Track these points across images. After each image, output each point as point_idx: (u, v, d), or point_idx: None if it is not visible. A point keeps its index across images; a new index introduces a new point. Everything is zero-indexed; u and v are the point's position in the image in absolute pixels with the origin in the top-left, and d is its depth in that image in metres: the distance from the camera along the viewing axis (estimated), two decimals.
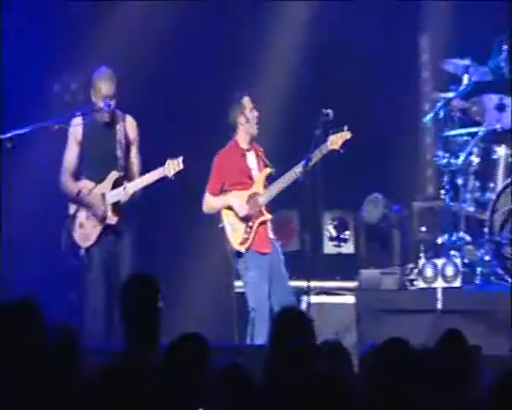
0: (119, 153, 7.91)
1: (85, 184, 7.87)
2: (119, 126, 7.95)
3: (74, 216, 7.88)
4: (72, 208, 7.92)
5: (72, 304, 9.15)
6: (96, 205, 7.79)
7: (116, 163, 7.90)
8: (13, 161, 7.91)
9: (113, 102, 7.86)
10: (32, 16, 9.71)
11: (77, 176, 7.93)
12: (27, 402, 4.09)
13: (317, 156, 7.90)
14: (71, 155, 7.93)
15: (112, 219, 7.82)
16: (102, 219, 7.79)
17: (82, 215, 7.86)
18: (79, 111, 8.06)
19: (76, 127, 7.92)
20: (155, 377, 4.29)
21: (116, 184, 7.82)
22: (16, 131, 7.93)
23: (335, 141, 7.89)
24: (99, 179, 7.86)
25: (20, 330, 4.48)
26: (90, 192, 7.84)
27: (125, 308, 4.95)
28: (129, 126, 7.99)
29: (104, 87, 7.83)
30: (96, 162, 7.93)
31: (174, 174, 7.69)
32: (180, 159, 7.66)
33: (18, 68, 9.62)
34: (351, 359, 4.88)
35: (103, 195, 7.79)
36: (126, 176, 7.90)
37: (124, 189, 7.78)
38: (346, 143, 7.92)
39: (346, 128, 7.91)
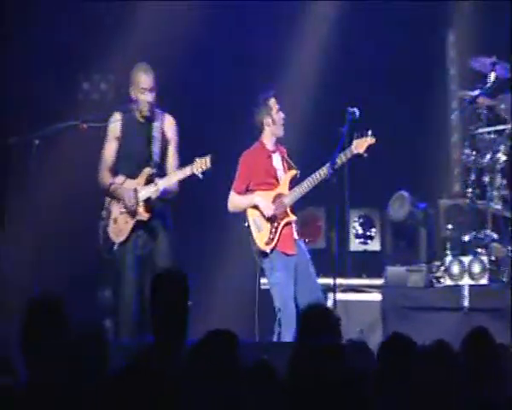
0: (155, 150, 7.92)
1: (120, 179, 7.90)
2: (156, 124, 7.96)
3: (110, 212, 7.91)
4: (107, 203, 7.95)
5: (103, 300, 9.22)
6: (127, 198, 7.78)
7: (151, 160, 7.93)
8: (41, 157, 7.97)
9: (152, 96, 7.88)
10: (60, 15, 9.75)
11: (114, 171, 7.95)
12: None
13: (341, 160, 7.90)
14: (109, 150, 7.97)
15: (143, 216, 7.80)
16: (133, 213, 7.80)
17: (116, 211, 7.89)
18: (118, 108, 8.09)
19: (115, 123, 7.97)
20: (181, 374, 4.32)
21: (149, 181, 7.82)
22: (45, 129, 8.05)
23: (360, 145, 7.89)
24: (134, 175, 7.87)
25: (47, 327, 4.51)
26: (123, 184, 7.86)
27: (155, 305, 4.97)
28: (167, 125, 8.00)
29: (143, 80, 7.86)
30: (132, 158, 7.96)
31: (202, 172, 7.70)
32: (208, 158, 7.65)
33: (47, 67, 9.69)
34: (373, 357, 4.88)
35: (136, 190, 7.79)
36: (161, 173, 7.90)
37: (155, 185, 7.77)
38: (369, 148, 7.92)
39: (370, 133, 7.89)
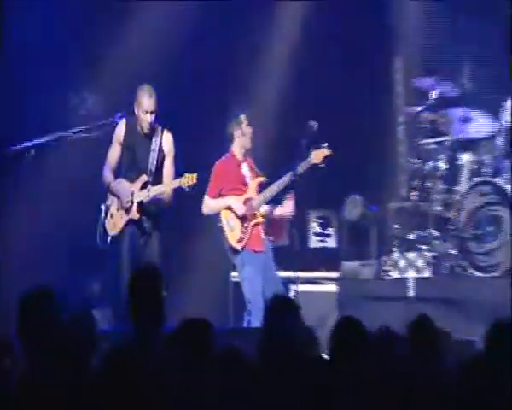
0: (151, 161, 7.92)
1: (120, 181, 7.94)
2: (155, 138, 7.96)
3: (108, 208, 7.96)
4: (108, 200, 7.99)
5: (92, 292, 9.19)
6: (123, 196, 7.84)
7: (147, 169, 7.92)
8: (36, 166, 7.94)
9: (152, 117, 7.87)
10: (49, 36, 9.64)
11: (116, 172, 8.00)
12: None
13: (302, 168, 7.95)
14: (113, 153, 8.02)
15: (135, 215, 7.83)
16: (127, 210, 7.83)
17: (113, 208, 7.94)
18: (123, 112, 8.11)
19: (120, 130, 8.00)
20: (159, 358, 4.30)
21: (144, 187, 7.85)
22: (38, 141, 8.04)
23: (317, 156, 7.93)
24: (132, 180, 7.90)
25: (39, 315, 4.50)
26: (121, 184, 7.90)
27: (134, 297, 4.94)
28: (164, 141, 8.00)
29: (146, 102, 7.85)
30: (132, 166, 7.97)
31: (188, 186, 7.71)
32: (195, 175, 7.69)
33: (40, 82, 9.61)
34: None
35: (132, 192, 7.83)
36: (155, 182, 7.91)
37: (148, 191, 7.79)
38: (325, 158, 7.94)
39: (326, 145, 7.92)
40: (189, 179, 7.68)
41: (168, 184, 7.85)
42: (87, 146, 8.55)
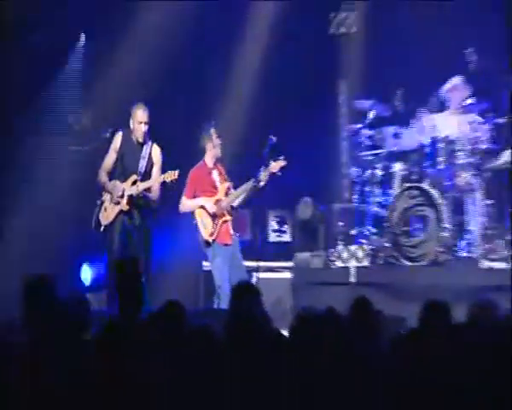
0: (141, 166, 7.95)
1: (113, 181, 7.95)
2: (145, 147, 7.98)
3: (102, 202, 7.96)
4: (103, 196, 8.00)
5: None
6: (115, 191, 7.87)
7: (137, 171, 7.94)
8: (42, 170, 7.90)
9: (145, 127, 7.93)
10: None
11: (111, 175, 8.00)
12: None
13: (263, 176, 7.98)
14: (109, 159, 8.01)
15: (125, 207, 7.86)
16: (118, 203, 7.85)
17: (107, 202, 7.95)
18: (113, 128, 8.18)
19: (116, 140, 8.01)
20: (141, 332, 4.29)
21: (134, 183, 7.90)
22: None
23: (275, 166, 7.97)
24: (124, 180, 7.92)
25: (39, 297, 4.47)
26: (115, 184, 7.92)
27: (118, 283, 4.92)
28: (153, 151, 8.03)
29: (140, 115, 7.91)
30: (125, 169, 7.97)
31: (171, 181, 7.75)
32: (177, 171, 7.76)
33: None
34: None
35: (124, 189, 7.85)
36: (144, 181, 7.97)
37: (137, 186, 7.85)
38: (282, 168, 7.96)
39: (282, 157, 7.94)
40: (171, 175, 7.74)
41: (155, 179, 7.88)
42: (82, 155, 8.53)
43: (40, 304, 4.46)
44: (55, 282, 4.63)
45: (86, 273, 9.37)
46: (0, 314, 5.38)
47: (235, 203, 8.18)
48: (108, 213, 7.92)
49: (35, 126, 9.43)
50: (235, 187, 8.17)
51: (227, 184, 8.18)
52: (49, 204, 9.13)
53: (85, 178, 8.46)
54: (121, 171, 7.99)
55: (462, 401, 3.55)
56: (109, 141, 8.12)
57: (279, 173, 7.97)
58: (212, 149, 8.11)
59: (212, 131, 8.11)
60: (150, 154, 7.99)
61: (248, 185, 8.03)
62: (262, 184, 7.99)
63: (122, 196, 7.83)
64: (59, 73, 9.74)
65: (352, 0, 9.91)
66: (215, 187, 8.15)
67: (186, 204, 8.14)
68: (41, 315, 4.39)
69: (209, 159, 8.15)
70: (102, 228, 7.89)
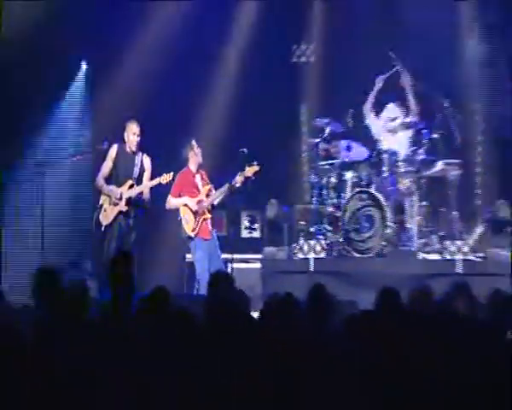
0: (135, 172, 7.93)
1: (111, 186, 7.91)
2: (137, 157, 7.97)
3: (101, 205, 7.89)
4: (101, 200, 7.93)
5: (87, 267, 9.06)
6: (113, 194, 7.83)
7: (132, 177, 7.92)
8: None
9: (138, 139, 7.92)
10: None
11: (107, 180, 7.95)
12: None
13: (239, 179, 7.97)
14: (106, 166, 7.97)
15: (123, 207, 7.82)
16: (116, 204, 7.80)
17: (106, 204, 7.88)
18: (108, 141, 8.09)
19: (113, 150, 7.97)
20: (133, 315, 4.25)
21: (131, 187, 7.88)
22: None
23: (250, 171, 7.95)
24: (120, 185, 7.89)
25: (48, 284, 4.44)
26: (112, 187, 7.88)
27: (113, 273, 4.88)
28: (144, 160, 8.03)
29: (134, 128, 7.92)
30: (121, 175, 7.94)
31: (166, 183, 7.85)
32: (171, 173, 7.84)
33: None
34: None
35: (121, 192, 7.82)
36: (137, 185, 7.96)
37: (134, 189, 7.85)
38: (256, 173, 7.94)
39: (256, 163, 7.93)
40: (166, 177, 7.80)
41: (150, 182, 7.88)
42: (82, 164, 8.47)
43: (49, 290, 4.44)
44: (61, 272, 4.63)
45: (87, 264, 9.28)
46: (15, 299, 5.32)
47: (216, 202, 8.16)
48: (108, 213, 7.87)
49: (46, 141, 9.38)
50: (216, 189, 8.16)
51: (208, 186, 8.19)
52: (56, 205, 9.06)
53: (86, 182, 8.40)
54: (116, 177, 7.96)
55: (409, 374, 3.52)
56: (106, 152, 8.08)
57: (253, 177, 7.96)
58: (194, 157, 8.13)
59: (193, 142, 8.14)
60: (142, 162, 8.00)
61: (226, 187, 8.04)
62: (238, 185, 7.99)
63: (120, 198, 7.81)
64: (64, 96, 9.67)
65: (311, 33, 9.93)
66: (198, 189, 8.16)
67: (172, 202, 8.15)
68: (49, 299, 4.36)
69: (192, 165, 8.17)
70: (103, 228, 7.84)
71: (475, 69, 9.59)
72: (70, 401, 3.28)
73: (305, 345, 3.77)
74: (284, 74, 9.83)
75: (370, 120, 8.94)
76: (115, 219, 7.83)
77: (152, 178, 7.93)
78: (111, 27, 9.37)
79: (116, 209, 7.82)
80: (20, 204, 9.17)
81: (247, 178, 7.96)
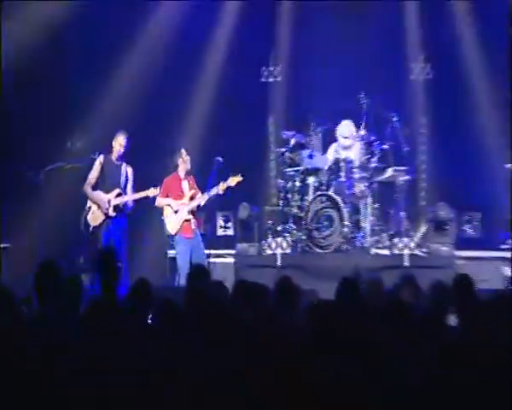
0: (122, 181, 7.91)
1: (99, 192, 7.85)
2: (123, 167, 7.95)
3: (90, 208, 7.85)
4: (88, 203, 7.89)
5: (80, 263, 9.00)
6: (102, 203, 7.79)
7: (119, 185, 7.85)
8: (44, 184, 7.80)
9: (124, 149, 7.92)
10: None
11: (93, 187, 7.91)
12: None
13: (219, 188, 8.01)
14: (93, 173, 7.92)
15: (112, 214, 7.81)
16: (106, 212, 7.76)
17: (95, 207, 7.83)
18: (99, 152, 8.04)
19: (100, 160, 7.92)
20: (120, 304, 4.25)
21: (118, 195, 7.87)
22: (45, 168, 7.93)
23: (233, 181, 8.00)
24: (108, 192, 7.85)
25: (48, 278, 4.42)
26: (100, 196, 7.83)
27: (101, 269, 4.87)
28: (128, 170, 8.03)
29: (122, 139, 7.91)
30: (108, 182, 7.91)
31: (153, 196, 7.91)
32: (158, 189, 7.87)
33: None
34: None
35: (109, 200, 7.79)
36: (124, 194, 7.94)
37: (122, 198, 7.85)
38: (238, 183, 8.01)
39: (240, 175, 7.99)
40: (154, 191, 7.86)
41: (137, 194, 7.89)
42: (75, 172, 8.41)
43: (49, 281, 4.43)
44: (61, 265, 4.61)
45: (81, 260, 9.24)
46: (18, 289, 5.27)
47: (202, 204, 8.14)
48: (96, 216, 7.83)
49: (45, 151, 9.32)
50: (202, 194, 8.18)
51: (193, 191, 8.18)
52: (53, 208, 8.98)
53: (79, 187, 8.34)
54: (103, 185, 7.92)
55: (368, 356, 3.55)
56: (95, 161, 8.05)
57: (235, 186, 8.02)
58: (183, 164, 8.15)
59: (183, 151, 8.16)
60: (127, 172, 7.98)
61: (206, 196, 8.06)
62: (221, 193, 8.02)
63: (109, 206, 7.78)
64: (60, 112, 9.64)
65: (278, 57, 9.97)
66: (183, 193, 8.16)
67: (161, 202, 8.17)
68: (49, 289, 4.34)
69: (181, 171, 8.19)
70: (91, 228, 7.81)
71: (420, 87, 9.72)
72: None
73: (273, 328, 3.82)
74: (255, 92, 9.87)
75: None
76: (103, 221, 7.82)
77: (136, 187, 7.94)
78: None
79: (104, 215, 7.82)
80: (24, 206, 9.06)
81: (229, 187, 7.98)
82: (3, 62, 8.81)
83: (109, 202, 7.78)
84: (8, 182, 8.90)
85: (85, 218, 7.87)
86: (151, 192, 7.84)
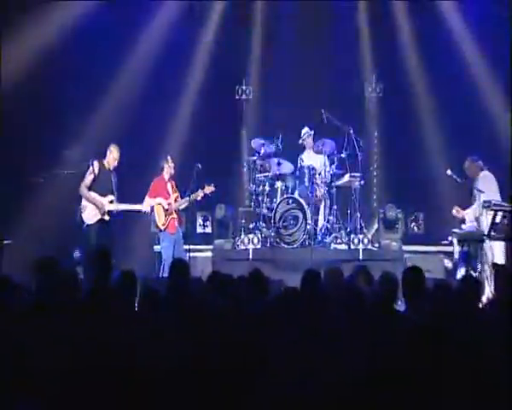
0: (114, 187, 7.83)
1: (95, 195, 7.76)
2: (114, 175, 7.88)
3: (85, 206, 7.75)
4: (83, 202, 7.78)
5: (76, 257, 8.88)
6: (99, 205, 7.71)
7: (112, 191, 7.81)
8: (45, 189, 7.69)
9: (117, 160, 7.81)
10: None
11: (89, 189, 7.79)
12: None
13: (199, 194, 8.03)
14: (89, 177, 7.79)
15: (106, 217, 7.75)
16: (102, 214, 7.70)
17: (90, 207, 7.73)
18: (92, 159, 7.91)
19: (95, 166, 7.81)
20: (113, 290, 4.22)
21: (111, 202, 7.79)
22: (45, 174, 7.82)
23: (208, 189, 8.02)
24: (101, 194, 7.77)
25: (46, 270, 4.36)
26: (95, 196, 7.74)
27: (97, 263, 4.82)
28: (116, 177, 7.94)
29: (116, 153, 7.83)
30: (102, 188, 7.81)
31: (144, 213, 7.94)
32: (149, 208, 7.89)
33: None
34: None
35: (104, 205, 7.72)
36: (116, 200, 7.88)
37: (117, 205, 7.78)
38: (212, 192, 8.05)
39: (213, 184, 8.03)
40: (147, 209, 7.91)
41: (133, 206, 7.90)
42: (71, 177, 8.31)
43: (48, 274, 4.37)
44: (58, 260, 4.56)
45: (76, 254, 9.12)
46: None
47: (181, 207, 8.17)
48: (91, 216, 7.74)
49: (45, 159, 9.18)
50: (182, 197, 8.18)
51: (176, 194, 8.21)
52: (53, 207, 8.86)
53: (75, 190, 8.25)
54: (95, 189, 7.84)
55: (327, 337, 3.54)
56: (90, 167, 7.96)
57: (210, 194, 8.10)
58: (168, 169, 8.17)
59: (169, 157, 8.18)
60: (116, 179, 7.92)
61: (191, 198, 8.09)
62: (199, 198, 8.05)
63: (104, 211, 7.73)
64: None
65: (250, 78, 9.97)
66: (169, 194, 8.17)
67: (148, 201, 8.12)
68: (48, 281, 4.28)
69: (166, 175, 8.19)
70: (85, 225, 7.71)
71: (373, 104, 9.80)
72: None
73: (246, 314, 3.82)
74: (230, 108, 9.88)
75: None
76: (97, 222, 7.74)
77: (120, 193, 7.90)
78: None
79: (99, 216, 7.74)
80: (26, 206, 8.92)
81: (205, 194, 8.09)
82: (2, 78, 8.68)
83: (103, 204, 7.73)
84: (11, 185, 8.75)
85: (80, 216, 7.78)
86: (144, 208, 7.93)
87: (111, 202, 7.79)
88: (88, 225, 7.71)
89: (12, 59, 8.74)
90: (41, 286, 4.20)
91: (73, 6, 9.13)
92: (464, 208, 7.94)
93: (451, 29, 9.20)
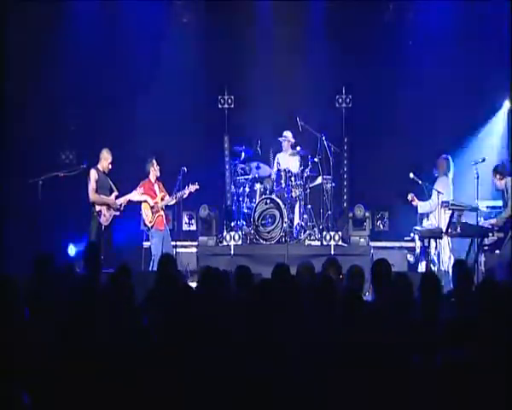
0: (112, 186, 7.87)
1: (104, 196, 7.77)
2: (109, 177, 7.92)
3: (100, 211, 7.73)
4: (97, 208, 7.74)
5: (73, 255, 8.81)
6: (112, 203, 7.79)
7: (112, 190, 7.84)
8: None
9: (110, 164, 7.83)
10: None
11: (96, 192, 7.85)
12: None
13: (183, 193, 8.03)
14: (93, 184, 7.81)
15: (117, 213, 7.85)
16: (116, 211, 7.79)
17: (104, 210, 7.70)
18: (86, 162, 7.93)
19: (95, 172, 7.80)
20: (104, 285, 4.22)
21: (116, 197, 7.88)
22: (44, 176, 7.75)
23: (192, 188, 8.08)
24: (106, 195, 7.81)
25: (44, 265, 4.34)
26: (103, 196, 7.77)
27: (90, 258, 4.81)
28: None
29: (108, 157, 7.86)
30: (103, 189, 7.83)
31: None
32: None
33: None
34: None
35: (114, 201, 7.80)
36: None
37: (119, 200, 7.82)
38: (197, 190, 8.10)
39: (197, 183, 8.00)
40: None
41: (125, 197, 7.85)
42: (68, 178, 8.25)
43: (45, 269, 4.35)
44: (54, 256, 4.55)
45: (71, 250, 9.06)
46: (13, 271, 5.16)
47: (170, 204, 8.23)
48: (107, 217, 7.81)
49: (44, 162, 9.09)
50: (169, 196, 8.20)
51: (162, 193, 8.21)
52: (50, 207, 8.78)
53: (70, 191, 8.21)
54: (100, 193, 7.83)
55: (296, 323, 3.58)
56: (85, 170, 7.92)
57: (194, 192, 8.06)
58: (154, 171, 8.16)
59: (154, 160, 8.15)
60: (111, 182, 7.94)
61: (177, 196, 8.08)
62: (185, 196, 8.05)
63: (117, 206, 7.79)
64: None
65: (231, 88, 9.97)
66: (155, 194, 8.15)
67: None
68: (45, 275, 4.27)
69: (152, 177, 8.19)
70: (103, 227, 7.74)
71: (342, 114, 9.89)
72: None
73: (230, 301, 3.85)
74: (213, 115, 9.87)
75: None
76: (112, 221, 7.82)
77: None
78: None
79: (112, 214, 7.78)
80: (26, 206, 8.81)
81: (190, 192, 8.06)
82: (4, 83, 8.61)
83: (115, 203, 7.83)
84: (12, 186, 8.67)
85: (98, 221, 7.75)
86: (132, 196, 7.98)
87: (116, 197, 7.88)
88: (105, 228, 7.76)
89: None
90: (40, 280, 4.19)
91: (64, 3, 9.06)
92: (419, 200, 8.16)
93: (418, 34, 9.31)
